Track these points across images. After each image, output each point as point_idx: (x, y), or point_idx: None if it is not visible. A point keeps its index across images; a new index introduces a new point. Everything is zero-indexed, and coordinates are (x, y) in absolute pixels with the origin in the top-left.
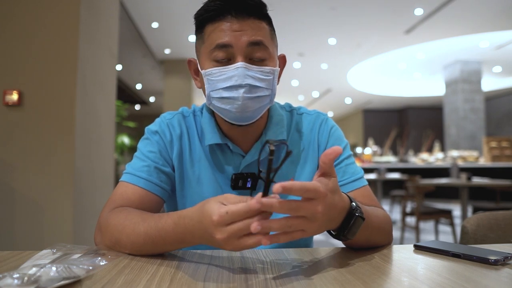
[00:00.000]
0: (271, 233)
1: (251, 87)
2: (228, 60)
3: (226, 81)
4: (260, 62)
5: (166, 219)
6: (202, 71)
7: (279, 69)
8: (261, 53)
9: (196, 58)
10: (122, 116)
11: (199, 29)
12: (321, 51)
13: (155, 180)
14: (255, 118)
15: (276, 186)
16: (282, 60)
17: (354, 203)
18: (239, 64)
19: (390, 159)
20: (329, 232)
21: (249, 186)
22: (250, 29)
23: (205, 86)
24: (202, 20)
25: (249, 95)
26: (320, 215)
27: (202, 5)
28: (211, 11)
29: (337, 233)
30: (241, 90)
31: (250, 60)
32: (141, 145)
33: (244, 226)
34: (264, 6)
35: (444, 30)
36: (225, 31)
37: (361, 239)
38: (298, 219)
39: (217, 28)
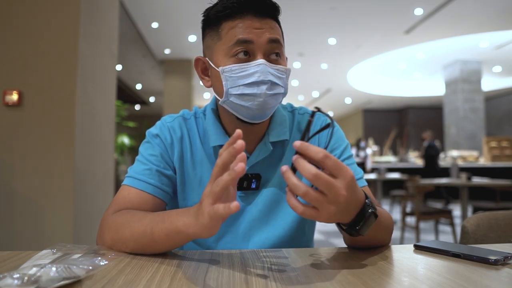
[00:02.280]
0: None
1: (272, 84)
2: (248, 57)
3: (248, 78)
4: (275, 60)
5: (172, 210)
6: (220, 68)
7: (291, 69)
8: (278, 50)
9: (203, 56)
10: (122, 116)
11: (214, 26)
12: (321, 51)
13: (157, 183)
14: (268, 116)
15: (308, 147)
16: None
17: (368, 200)
18: (261, 61)
19: (390, 159)
20: (338, 226)
21: (254, 187)
22: (269, 28)
23: (223, 83)
24: (219, 17)
25: (270, 92)
26: (342, 199)
27: (210, 4)
28: (231, 8)
29: (348, 228)
30: (264, 87)
31: (268, 58)
32: (142, 148)
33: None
34: (279, 9)
35: (444, 30)
36: (247, 28)
37: (367, 237)
38: (319, 193)
39: (237, 25)
